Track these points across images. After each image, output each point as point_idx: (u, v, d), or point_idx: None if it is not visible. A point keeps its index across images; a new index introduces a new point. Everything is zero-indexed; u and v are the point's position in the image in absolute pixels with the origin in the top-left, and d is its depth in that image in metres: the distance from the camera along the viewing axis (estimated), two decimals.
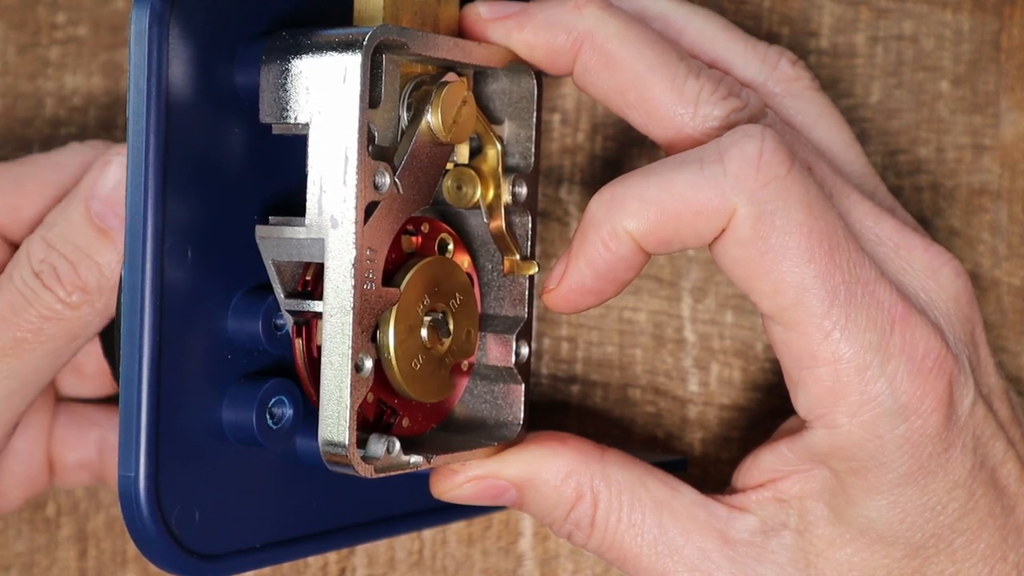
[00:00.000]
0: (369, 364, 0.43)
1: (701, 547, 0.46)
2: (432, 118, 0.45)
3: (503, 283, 0.49)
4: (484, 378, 0.49)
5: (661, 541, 0.47)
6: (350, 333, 0.43)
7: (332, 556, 0.57)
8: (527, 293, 0.49)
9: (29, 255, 0.48)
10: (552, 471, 0.47)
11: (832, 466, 0.46)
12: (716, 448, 0.56)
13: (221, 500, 0.45)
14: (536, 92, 0.48)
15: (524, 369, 0.49)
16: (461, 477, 0.47)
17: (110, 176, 0.47)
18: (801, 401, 0.45)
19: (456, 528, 0.57)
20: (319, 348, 0.45)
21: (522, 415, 0.49)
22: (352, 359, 0.43)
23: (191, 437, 0.44)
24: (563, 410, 0.57)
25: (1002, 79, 0.55)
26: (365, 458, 0.44)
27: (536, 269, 0.49)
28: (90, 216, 0.47)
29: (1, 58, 0.59)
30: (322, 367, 0.43)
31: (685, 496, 0.47)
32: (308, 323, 0.45)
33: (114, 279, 0.47)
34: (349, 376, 0.43)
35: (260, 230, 0.45)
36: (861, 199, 0.47)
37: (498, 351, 0.49)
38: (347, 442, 0.43)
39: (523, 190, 0.49)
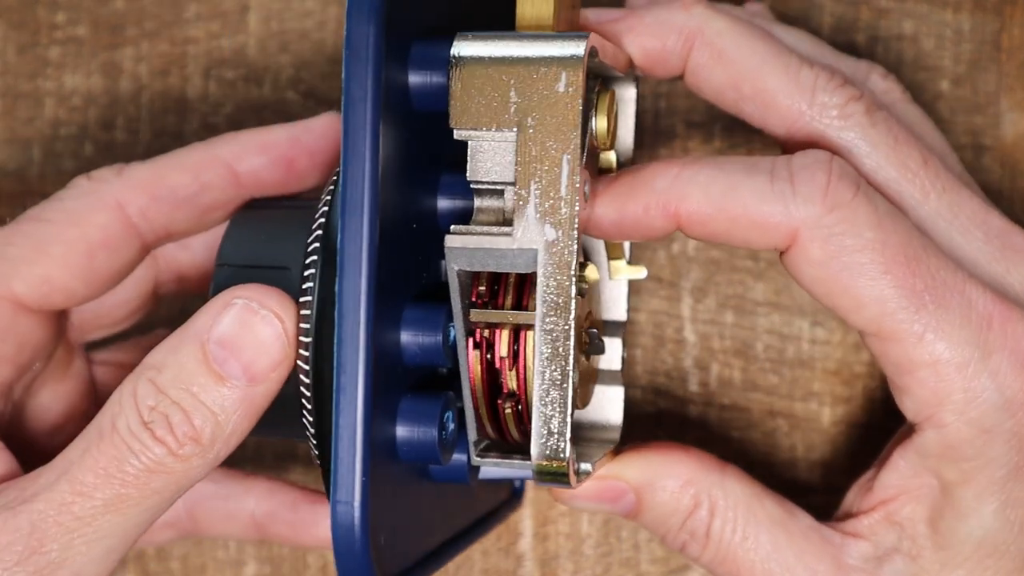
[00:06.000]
0: (577, 376, 0.42)
1: (813, 569, 0.46)
2: (597, 124, 0.43)
3: (602, 287, 0.49)
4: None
5: (773, 559, 0.46)
6: (571, 345, 0.41)
7: (332, 556, 0.57)
8: (626, 296, 0.49)
9: (136, 401, 0.43)
10: (673, 476, 0.47)
11: (942, 475, 0.45)
12: (716, 449, 0.56)
13: (395, 520, 0.43)
14: (636, 96, 0.48)
15: (623, 371, 0.49)
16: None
17: (232, 320, 0.43)
18: (908, 406, 0.45)
19: None
20: (501, 360, 0.44)
21: (620, 417, 0.49)
22: (576, 371, 0.42)
23: (381, 458, 0.42)
24: None
25: (1002, 79, 0.55)
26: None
27: (644, 273, 0.49)
28: (208, 359, 0.42)
29: (1, 58, 0.59)
30: (536, 381, 0.41)
31: (800, 520, 0.47)
32: (485, 334, 0.44)
33: (229, 429, 0.43)
34: (571, 389, 0.41)
35: (451, 239, 0.42)
36: (971, 196, 0.47)
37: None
38: (568, 455, 0.42)
39: None
